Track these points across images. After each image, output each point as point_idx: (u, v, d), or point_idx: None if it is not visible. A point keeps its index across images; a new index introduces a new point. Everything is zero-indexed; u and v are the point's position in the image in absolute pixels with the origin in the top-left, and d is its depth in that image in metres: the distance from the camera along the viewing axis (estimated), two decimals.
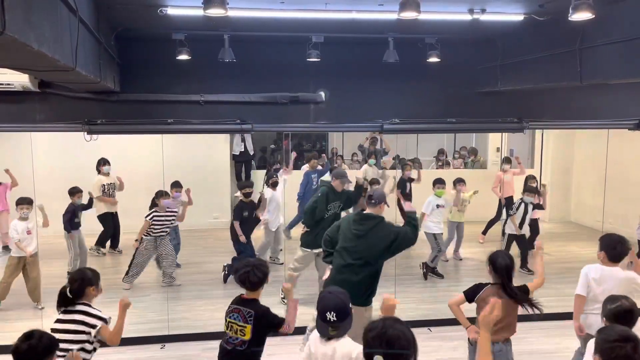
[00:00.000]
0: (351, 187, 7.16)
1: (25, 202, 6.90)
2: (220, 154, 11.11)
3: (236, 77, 6.52)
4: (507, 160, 10.09)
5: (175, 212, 7.85)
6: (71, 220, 7.90)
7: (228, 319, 3.84)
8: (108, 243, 9.42)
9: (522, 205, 8.38)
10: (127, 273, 7.68)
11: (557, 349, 5.87)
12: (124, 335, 5.97)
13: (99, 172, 9.12)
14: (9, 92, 5.86)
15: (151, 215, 7.60)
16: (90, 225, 8.54)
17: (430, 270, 8.22)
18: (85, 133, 6.14)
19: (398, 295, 6.83)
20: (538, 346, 5.97)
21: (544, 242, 10.25)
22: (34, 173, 6.43)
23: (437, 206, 8.26)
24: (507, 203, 9.58)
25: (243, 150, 10.89)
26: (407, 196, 9.83)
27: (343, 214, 7.03)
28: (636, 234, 8.38)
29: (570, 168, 11.97)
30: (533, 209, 8.48)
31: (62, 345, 3.44)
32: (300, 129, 9.24)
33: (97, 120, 6.16)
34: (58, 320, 3.79)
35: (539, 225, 9.06)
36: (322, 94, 6.68)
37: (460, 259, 9.02)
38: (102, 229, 9.21)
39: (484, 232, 9.99)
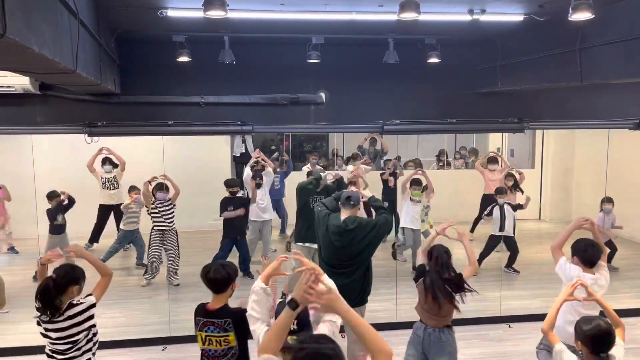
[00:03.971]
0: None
1: None
2: (221, 155, 11.10)
3: (236, 78, 6.53)
4: (492, 160, 10.05)
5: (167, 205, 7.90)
6: (51, 224, 7.81)
7: (203, 334, 3.60)
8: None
9: (497, 208, 8.34)
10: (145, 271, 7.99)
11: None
12: (125, 337, 6.04)
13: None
14: (10, 94, 5.87)
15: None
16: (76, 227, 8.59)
17: (394, 252, 8.46)
18: (86, 135, 6.16)
19: (399, 296, 6.84)
20: None
21: (545, 241, 10.26)
22: (35, 175, 6.44)
23: (411, 199, 8.22)
24: (483, 201, 9.63)
25: (244, 151, 10.90)
26: (390, 190, 9.81)
27: None
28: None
29: (571, 168, 11.96)
30: (515, 210, 8.42)
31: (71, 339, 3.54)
32: (301, 130, 9.26)
33: (97, 123, 6.17)
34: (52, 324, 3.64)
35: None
36: (323, 95, 6.69)
37: None
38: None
39: (472, 230, 9.90)
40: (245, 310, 3.46)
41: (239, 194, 8.38)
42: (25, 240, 9.43)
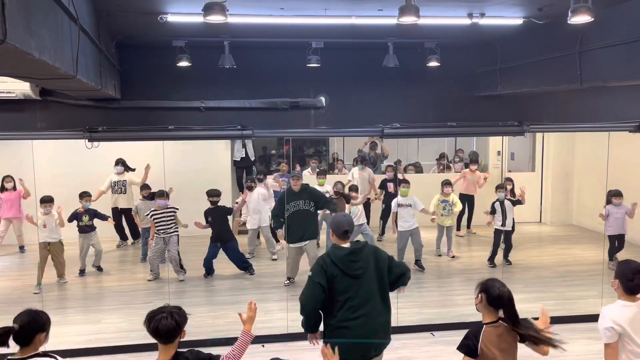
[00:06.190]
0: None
1: (45, 200, 7.62)
2: (221, 160, 11.10)
3: (236, 83, 6.54)
4: (474, 161, 10.80)
5: (173, 210, 8.11)
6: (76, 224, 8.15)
7: None
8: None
9: (497, 204, 8.52)
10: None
11: (558, 352, 5.85)
12: (126, 343, 6.02)
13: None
14: (11, 100, 5.88)
15: (150, 214, 7.99)
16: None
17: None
18: (87, 140, 6.17)
19: (400, 300, 6.82)
20: None
21: (546, 244, 10.24)
22: (36, 180, 6.44)
23: (399, 205, 8.27)
24: (468, 200, 10.26)
25: (244, 156, 10.91)
26: (390, 195, 9.82)
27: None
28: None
29: (571, 171, 11.95)
30: (514, 205, 8.58)
31: None
32: (301, 134, 9.28)
33: (98, 128, 6.18)
34: None
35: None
36: (322, 99, 6.70)
37: (453, 257, 9.09)
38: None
39: (458, 228, 10.39)
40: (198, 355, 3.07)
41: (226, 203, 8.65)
42: (26, 244, 9.43)
